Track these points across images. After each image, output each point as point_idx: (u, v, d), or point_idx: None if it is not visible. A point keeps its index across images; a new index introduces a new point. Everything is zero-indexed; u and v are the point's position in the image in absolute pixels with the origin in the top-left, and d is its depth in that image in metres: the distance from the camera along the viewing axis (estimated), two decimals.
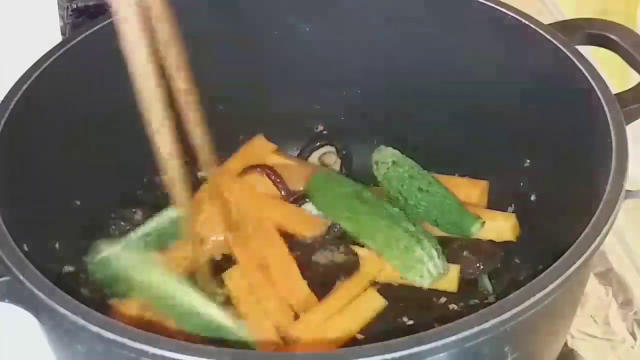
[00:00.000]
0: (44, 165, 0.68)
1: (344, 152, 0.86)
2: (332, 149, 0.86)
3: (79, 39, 0.72)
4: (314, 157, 0.86)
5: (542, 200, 0.75)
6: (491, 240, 0.76)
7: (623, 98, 0.65)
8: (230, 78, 0.81)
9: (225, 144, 0.83)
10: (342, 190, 0.78)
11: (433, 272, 0.72)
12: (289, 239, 0.76)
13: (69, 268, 0.70)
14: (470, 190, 0.79)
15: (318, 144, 0.86)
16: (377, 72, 0.82)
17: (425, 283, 0.73)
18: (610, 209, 0.55)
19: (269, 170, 0.80)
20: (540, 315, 0.52)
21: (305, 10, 0.80)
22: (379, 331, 0.70)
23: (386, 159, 0.80)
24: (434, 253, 0.73)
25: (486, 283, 0.75)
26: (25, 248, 0.57)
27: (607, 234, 0.54)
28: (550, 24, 0.71)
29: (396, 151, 0.81)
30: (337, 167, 0.86)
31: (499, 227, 0.76)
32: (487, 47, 0.75)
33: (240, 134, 0.84)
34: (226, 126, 0.82)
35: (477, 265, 0.75)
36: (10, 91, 0.66)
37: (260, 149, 0.84)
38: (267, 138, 0.84)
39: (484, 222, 0.75)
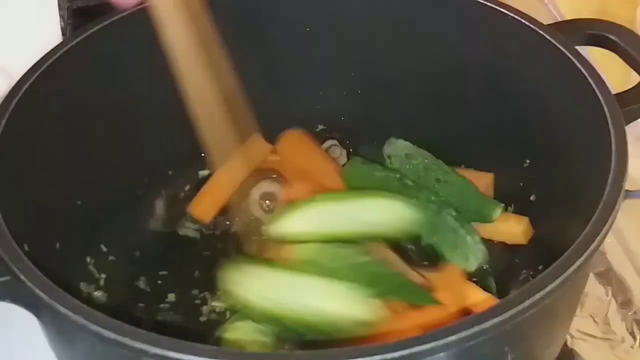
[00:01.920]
0: (44, 165, 0.69)
1: (347, 142, 0.86)
2: (335, 141, 0.86)
3: (79, 39, 0.72)
4: None
5: (542, 200, 0.75)
6: (502, 243, 0.76)
7: (623, 98, 0.65)
8: None
9: None
10: (381, 175, 0.78)
11: (478, 256, 0.73)
12: None
13: (69, 268, 0.70)
14: (474, 183, 0.79)
15: (320, 138, 0.86)
16: (377, 72, 0.82)
17: (471, 266, 0.73)
18: (609, 209, 0.55)
19: (276, 175, 0.81)
20: (540, 315, 0.52)
21: (306, 10, 0.80)
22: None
23: (399, 152, 0.80)
24: (477, 237, 0.74)
25: (491, 284, 0.75)
26: (26, 248, 0.57)
27: (606, 234, 0.54)
28: (550, 24, 0.71)
29: (407, 143, 0.80)
30: (343, 159, 0.85)
31: (511, 230, 0.75)
32: (486, 48, 0.75)
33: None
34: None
35: (484, 267, 0.75)
36: (10, 91, 0.66)
37: (257, 148, 0.84)
38: (268, 139, 0.84)
39: (504, 208, 0.75)
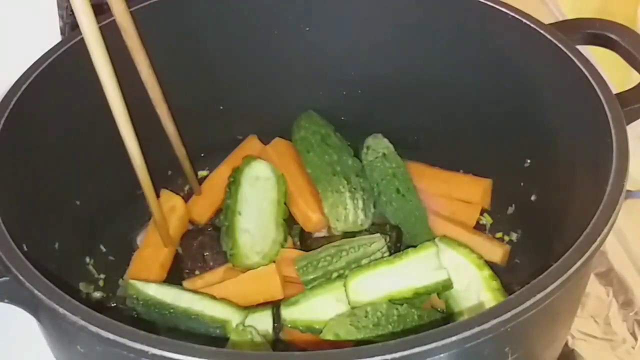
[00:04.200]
0: (43, 165, 0.68)
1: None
2: None
3: (78, 38, 0.71)
4: None
5: (542, 200, 0.74)
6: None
7: (623, 98, 0.65)
8: (231, 78, 0.80)
9: (225, 144, 0.84)
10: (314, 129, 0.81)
11: (349, 221, 0.75)
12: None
13: (69, 268, 0.70)
14: (472, 190, 0.79)
15: None
16: (377, 72, 0.81)
17: (339, 227, 0.76)
18: (610, 209, 0.55)
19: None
20: (541, 315, 0.52)
21: (305, 10, 0.80)
22: None
23: (378, 148, 0.80)
24: (360, 204, 0.75)
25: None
26: (25, 248, 0.57)
27: (607, 234, 0.54)
28: (550, 24, 0.71)
29: (390, 144, 0.80)
30: None
31: (487, 252, 0.75)
32: (487, 47, 0.74)
33: (238, 134, 0.84)
34: (226, 126, 0.83)
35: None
36: (9, 91, 0.66)
37: (252, 150, 0.84)
38: (267, 139, 0.84)
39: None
